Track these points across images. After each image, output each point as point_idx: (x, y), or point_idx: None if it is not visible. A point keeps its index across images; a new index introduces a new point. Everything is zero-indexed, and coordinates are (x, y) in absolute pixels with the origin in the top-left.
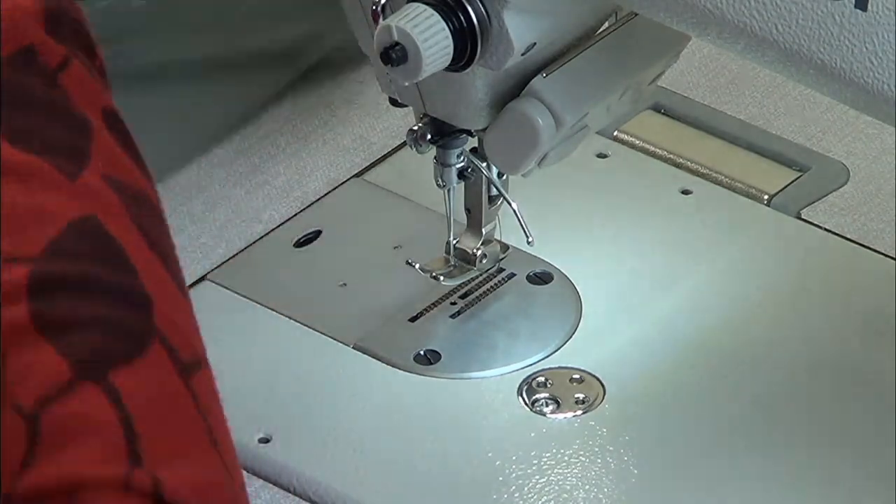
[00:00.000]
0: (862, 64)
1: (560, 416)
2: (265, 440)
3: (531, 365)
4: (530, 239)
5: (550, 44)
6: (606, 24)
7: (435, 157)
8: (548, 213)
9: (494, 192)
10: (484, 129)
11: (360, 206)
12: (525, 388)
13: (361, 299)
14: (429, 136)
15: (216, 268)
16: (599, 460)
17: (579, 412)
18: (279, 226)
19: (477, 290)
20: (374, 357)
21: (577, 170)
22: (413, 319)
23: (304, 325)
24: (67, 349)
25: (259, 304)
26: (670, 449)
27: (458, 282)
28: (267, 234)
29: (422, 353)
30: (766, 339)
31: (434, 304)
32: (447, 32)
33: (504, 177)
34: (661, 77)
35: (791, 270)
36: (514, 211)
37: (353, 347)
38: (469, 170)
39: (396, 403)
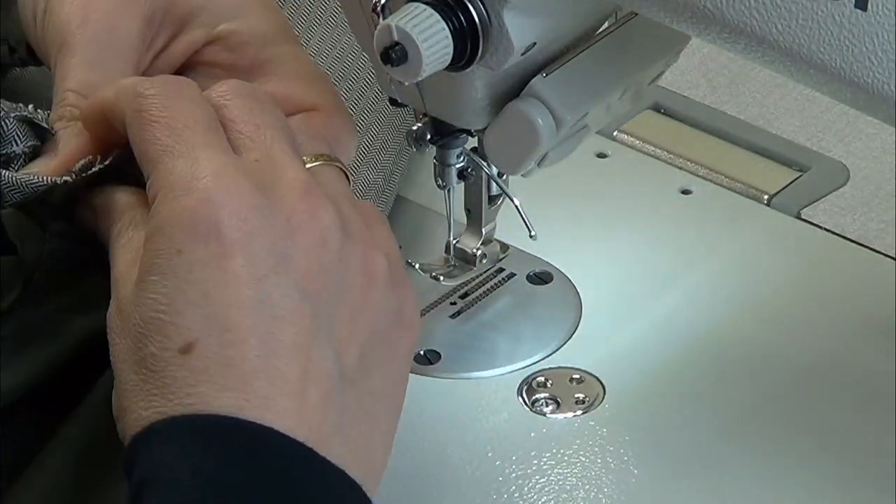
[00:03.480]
0: (862, 64)
1: (560, 416)
2: None
3: (531, 365)
4: (533, 233)
5: (550, 44)
6: (606, 24)
7: (435, 157)
8: (548, 213)
9: (494, 191)
10: (484, 129)
11: None
12: (525, 388)
13: None
14: (429, 136)
15: None
16: (599, 460)
17: (579, 412)
18: None
19: (477, 290)
20: None
21: (577, 170)
22: None
23: None
24: None
25: None
26: (670, 449)
27: (458, 282)
28: None
29: (422, 353)
30: (766, 339)
31: (434, 304)
32: (447, 32)
33: (504, 177)
34: (661, 77)
35: (791, 270)
36: (517, 206)
37: None
38: (469, 170)
39: None
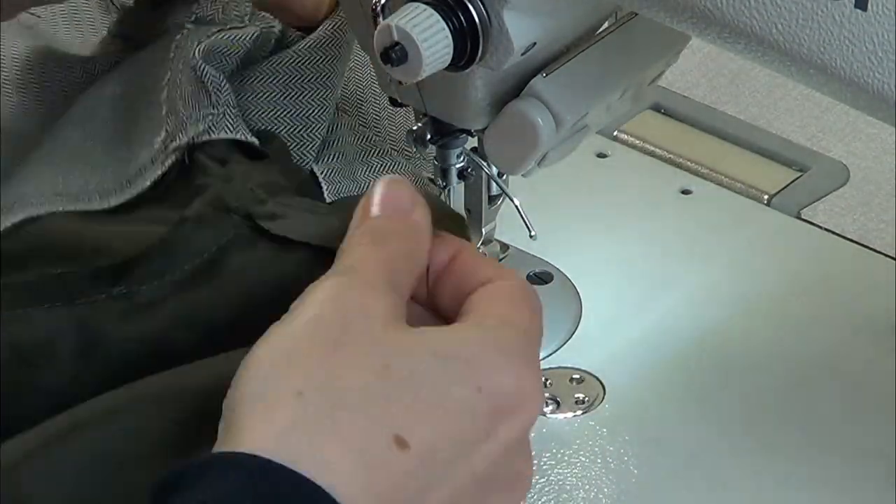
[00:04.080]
0: (862, 64)
1: (560, 416)
2: None
3: None
4: (533, 233)
5: (550, 44)
6: (606, 24)
7: (435, 157)
8: (548, 213)
9: (494, 191)
10: (484, 129)
11: None
12: None
13: None
14: (429, 136)
15: None
16: (599, 460)
17: (579, 412)
18: None
19: None
20: None
21: (577, 170)
22: None
23: None
24: None
25: None
26: (670, 449)
27: None
28: None
29: None
30: (766, 339)
31: None
32: (447, 32)
33: (504, 177)
34: (661, 77)
35: (791, 270)
36: (517, 206)
37: None
38: (469, 170)
39: None
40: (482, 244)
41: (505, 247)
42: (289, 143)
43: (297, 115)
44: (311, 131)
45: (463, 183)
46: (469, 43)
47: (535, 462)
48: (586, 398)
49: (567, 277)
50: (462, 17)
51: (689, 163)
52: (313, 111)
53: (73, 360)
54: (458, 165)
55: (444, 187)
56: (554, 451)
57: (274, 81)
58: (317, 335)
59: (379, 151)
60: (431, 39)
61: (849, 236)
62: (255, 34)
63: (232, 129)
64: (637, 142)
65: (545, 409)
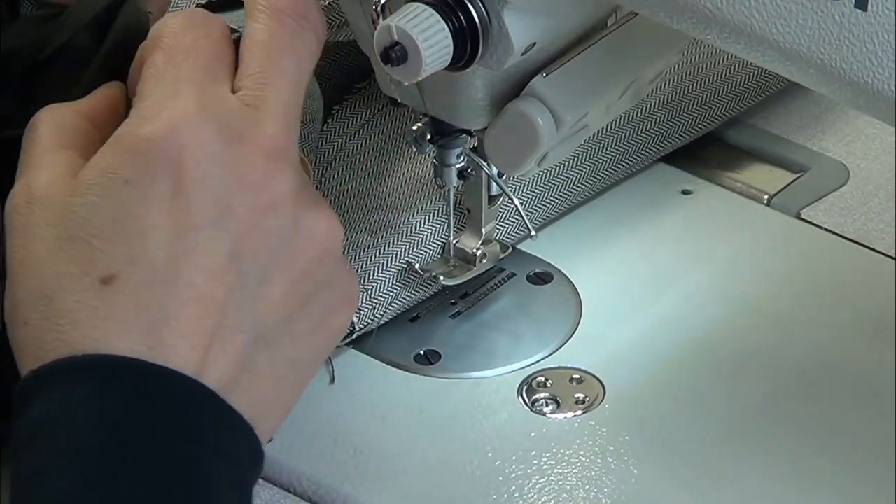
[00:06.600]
0: (862, 64)
1: (560, 416)
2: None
3: (531, 365)
4: (533, 233)
5: (550, 44)
6: (607, 24)
7: (435, 157)
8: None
9: (494, 191)
10: (484, 129)
11: None
12: (525, 388)
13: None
14: (429, 136)
15: None
16: (599, 460)
17: (579, 412)
18: None
19: (477, 290)
20: (374, 357)
21: None
22: (413, 320)
23: None
24: None
25: None
26: (670, 449)
27: (458, 282)
28: None
29: (422, 353)
30: (766, 338)
31: (434, 304)
32: (447, 32)
33: (504, 176)
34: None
35: (791, 270)
36: (517, 206)
37: (352, 347)
38: (469, 170)
39: (397, 404)
40: (482, 244)
41: (505, 247)
42: None
43: None
44: None
45: (463, 183)
46: (469, 43)
47: (535, 462)
48: (586, 398)
49: (567, 277)
50: (462, 17)
51: (689, 163)
52: None
53: None
54: (458, 165)
55: (444, 187)
56: (554, 451)
57: None
58: None
59: None
60: (431, 39)
61: (849, 236)
62: None
63: None
64: None
65: (545, 410)
